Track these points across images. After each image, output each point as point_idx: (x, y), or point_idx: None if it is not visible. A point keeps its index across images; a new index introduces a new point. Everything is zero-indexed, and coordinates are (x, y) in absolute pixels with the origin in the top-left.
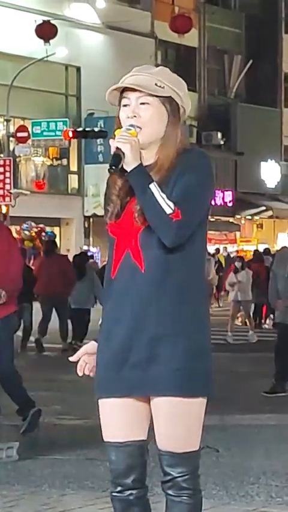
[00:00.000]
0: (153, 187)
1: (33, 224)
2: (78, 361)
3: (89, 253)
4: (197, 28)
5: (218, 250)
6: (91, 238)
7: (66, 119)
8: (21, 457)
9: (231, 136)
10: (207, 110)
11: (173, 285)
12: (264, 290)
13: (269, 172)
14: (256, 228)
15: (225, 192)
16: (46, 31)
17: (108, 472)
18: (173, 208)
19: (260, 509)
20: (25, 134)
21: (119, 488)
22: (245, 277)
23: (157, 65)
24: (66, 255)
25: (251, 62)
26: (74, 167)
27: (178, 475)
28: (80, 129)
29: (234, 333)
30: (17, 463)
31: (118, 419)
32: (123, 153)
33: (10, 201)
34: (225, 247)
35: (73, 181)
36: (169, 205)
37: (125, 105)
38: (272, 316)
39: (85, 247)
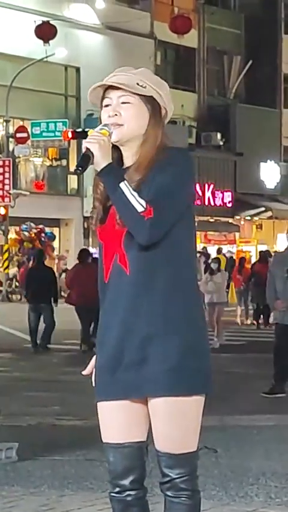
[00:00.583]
0: (124, 186)
1: (32, 225)
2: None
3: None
4: (197, 29)
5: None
6: (90, 239)
7: (66, 120)
8: (21, 457)
9: (231, 137)
10: (207, 111)
11: (161, 285)
12: None
13: (269, 173)
14: (255, 229)
15: (225, 193)
16: (45, 32)
17: (107, 472)
18: (144, 206)
19: (260, 510)
20: (24, 135)
21: (117, 489)
22: (221, 279)
23: (156, 66)
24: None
25: (250, 62)
26: (73, 168)
27: (176, 476)
28: (80, 129)
29: (233, 333)
30: (16, 463)
31: (116, 421)
32: (92, 153)
33: (9, 201)
34: (220, 248)
35: (72, 181)
36: (140, 204)
37: (106, 105)
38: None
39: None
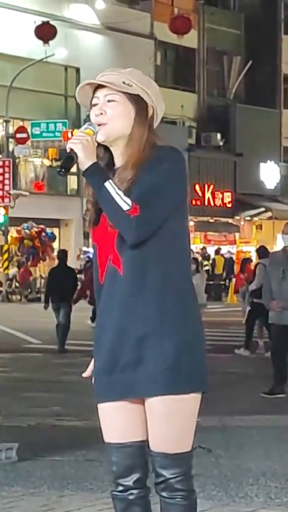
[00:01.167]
0: (109, 185)
1: (34, 224)
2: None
3: (88, 254)
4: (197, 29)
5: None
6: (90, 239)
7: (66, 120)
8: (21, 458)
9: (231, 137)
10: (207, 111)
11: (154, 285)
12: None
13: (268, 174)
14: (255, 229)
15: (225, 193)
16: (45, 32)
17: (107, 473)
18: (130, 204)
19: (259, 510)
20: (24, 135)
21: (120, 488)
22: (199, 279)
23: (156, 66)
24: None
25: (250, 63)
26: (73, 168)
27: (171, 476)
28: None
29: (233, 333)
30: (16, 464)
31: (117, 421)
32: (76, 154)
33: (9, 202)
34: (219, 249)
35: (72, 182)
36: (126, 202)
37: (94, 104)
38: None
39: (84, 248)
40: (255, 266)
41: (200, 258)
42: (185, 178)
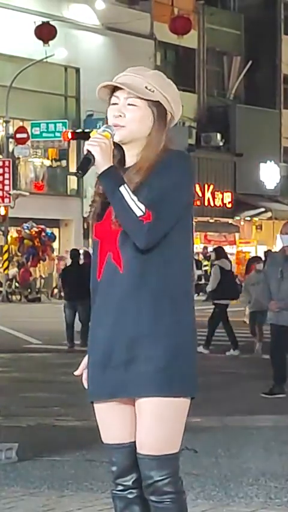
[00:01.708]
0: (124, 189)
1: (34, 224)
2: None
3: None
4: (196, 29)
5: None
6: (90, 240)
7: (66, 120)
8: (20, 458)
9: (231, 137)
10: (207, 111)
11: (152, 286)
12: None
13: (268, 174)
14: (255, 230)
15: (225, 194)
16: (45, 32)
17: (107, 473)
18: (143, 210)
19: (259, 510)
20: (24, 135)
21: (120, 488)
22: None
23: (156, 66)
24: None
25: (250, 63)
26: (73, 168)
27: (159, 478)
28: (79, 130)
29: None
30: (16, 464)
31: (114, 421)
32: (94, 156)
33: (9, 202)
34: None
35: (72, 182)
36: (140, 208)
37: (113, 104)
38: None
39: (84, 248)
40: (211, 267)
41: (201, 258)
42: (194, 183)
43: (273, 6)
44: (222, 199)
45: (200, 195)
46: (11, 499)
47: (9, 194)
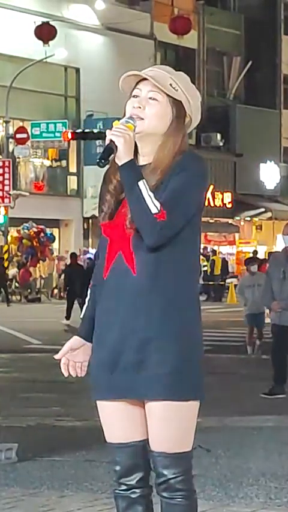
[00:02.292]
0: (142, 184)
1: (34, 224)
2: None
3: (88, 255)
4: (196, 29)
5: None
6: (90, 240)
7: (66, 120)
8: (20, 458)
9: (231, 137)
10: (207, 112)
11: (164, 289)
12: None
13: (268, 174)
14: (255, 230)
15: (225, 194)
16: (45, 32)
17: (107, 473)
18: (159, 208)
19: (259, 510)
20: (24, 135)
21: (123, 487)
22: None
23: None
24: None
25: (250, 63)
26: (73, 168)
27: (172, 476)
28: (79, 130)
29: (233, 333)
30: (16, 464)
31: (119, 421)
32: (116, 147)
33: (9, 202)
34: (214, 250)
35: (72, 182)
36: (155, 205)
37: (134, 96)
38: None
39: (84, 249)
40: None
41: (201, 258)
42: (207, 186)
43: (273, 6)
44: (222, 200)
45: None
46: (11, 499)
47: (9, 194)
